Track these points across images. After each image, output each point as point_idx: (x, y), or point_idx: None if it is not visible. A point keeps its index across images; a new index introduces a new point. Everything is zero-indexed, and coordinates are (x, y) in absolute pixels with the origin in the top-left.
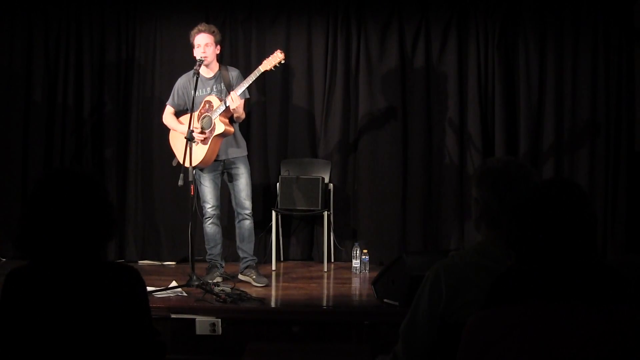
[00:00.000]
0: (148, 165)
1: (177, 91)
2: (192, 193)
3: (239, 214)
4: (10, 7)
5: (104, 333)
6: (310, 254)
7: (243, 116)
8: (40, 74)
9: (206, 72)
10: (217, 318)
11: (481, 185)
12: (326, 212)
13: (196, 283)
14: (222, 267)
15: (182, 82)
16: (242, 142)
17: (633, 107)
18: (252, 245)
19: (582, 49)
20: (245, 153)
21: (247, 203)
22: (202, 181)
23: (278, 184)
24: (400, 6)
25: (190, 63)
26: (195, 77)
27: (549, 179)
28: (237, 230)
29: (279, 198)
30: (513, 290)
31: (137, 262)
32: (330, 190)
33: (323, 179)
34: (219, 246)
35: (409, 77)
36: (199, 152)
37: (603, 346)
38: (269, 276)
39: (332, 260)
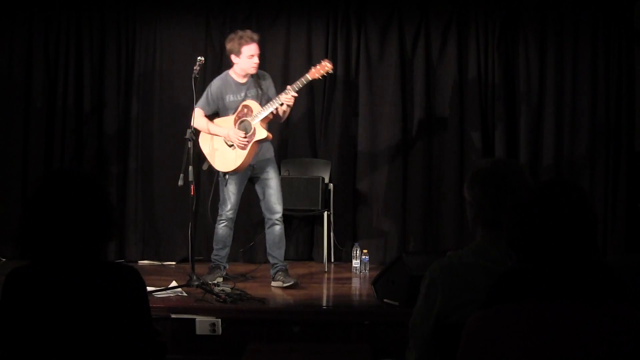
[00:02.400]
0: (148, 165)
1: (210, 95)
2: (192, 193)
3: (268, 219)
4: (10, 8)
5: (104, 333)
6: (310, 254)
7: (288, 112)
8: (40, 74)
9: (240, 78)
10: (217, 318)
11: (472, 186)
12: (326, 212)
13: (196, 283)
14: (225, 268)
15: (217, 85)
16: (270, 145)
17: (633, 107)
18: (282, 251)
19: (582, 49)
20: (273, 154)
21: (278, 207)
22: (228, 184)
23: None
24: (400, 6)
25: (190, 63)
26: (194, 78)
27: (550, 179)
28: (267, 237)
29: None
30: (513, 290)
31: (137, 262)
32: (330, 190)
33: (323, 179)
34: (228, 249)
35: (409, 77)
36: (237, 158)
37: (603, 346)
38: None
39: (332, 260)
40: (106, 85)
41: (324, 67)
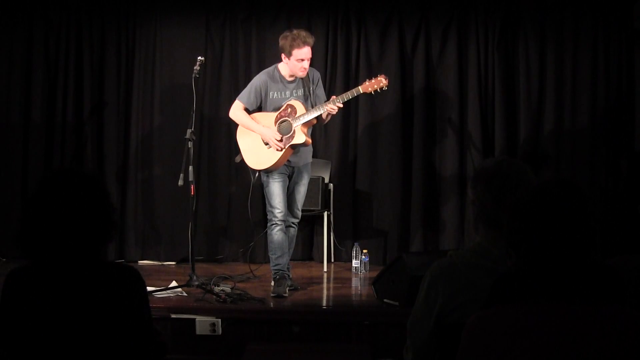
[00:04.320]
0: (148, 165)
1: (255, 89)
2: (192, 193)
3: (287, 219)
4: (10, 8)
5: (104, 333)
6: (310, 254)
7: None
8: (40, 74)
9: (289, 75)
10: (217, 318)
11: (476, 186)
12: (326, 212)
13: (196, 283)
14: (290, 278)
15: (262, 79)
16: (311, 148)
17: (633, 107)
18: (290, 252)
19: (582, 49)
20: (311, 159)
21: (299, 213)
22: (270, 184)
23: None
24: (400, 6)
25: (190, 63)
26: (194, 78)
27: (550, 179)
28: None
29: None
30: (513, 291)
31: (137, 262)
32: (330, 190)
33: (323, 179)
34: (287, 255)
35: (409, 77)
36: (271, 158)
37: (603, 347)
38: (268, 276)
39: (332, 260)
40: (106, 85)
41: (379, 83)
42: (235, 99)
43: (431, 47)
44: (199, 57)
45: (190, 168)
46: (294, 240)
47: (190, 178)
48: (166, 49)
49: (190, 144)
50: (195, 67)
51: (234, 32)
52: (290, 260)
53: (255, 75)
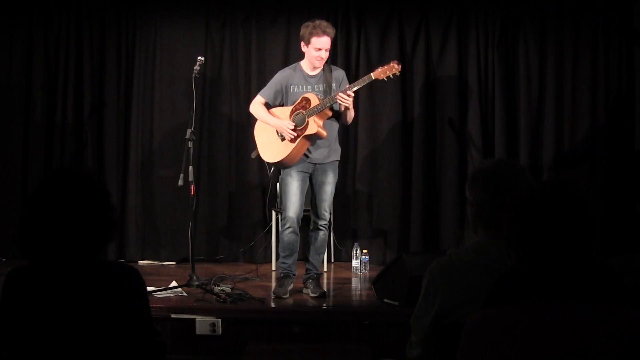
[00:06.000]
0: (148, 165)
1: (276, 83)
2: (192, 193)
3: (314, 223)
4: (10, 7)
5: (104, 333)
6: None
7: (353, 114)
8: (40, 74)
9: (309, 69)
10: (217, 318)
11: (473, 186)
12: None
13: (196, 283)
14: (295, 276)
15: (283, 74)
16: (338, 146)
17: (633, 106)
18: (321, 258)
19: (582, 49)
20: (339, 158)
21: (327, 215)
22: (288, 183)
23: (278, 184)
24: (400, 6)
25: (190, 63)
26: (194, 78)
27: (549, 179)
28: (309, 239)
29: (279, 198)
30: (513, 290)
31: (137, 262)
32: None
33: None
34: (295, 255)
35: (409, 77)
36: (283, 149)
37: (602, 346)
38: (269, 276)
39: (332, 260)
40: (106, 85)
41: (392, 69)
42: (235, 99)
43: (431, 47)
44: (199, 57)
45: (190, 168)
46: (325, 245)
47: (190, 178)
48: (166, 49)
49: (190, 144)
50: (195, 67)
51: (234, 32)
52: None
53: (255, 75)
